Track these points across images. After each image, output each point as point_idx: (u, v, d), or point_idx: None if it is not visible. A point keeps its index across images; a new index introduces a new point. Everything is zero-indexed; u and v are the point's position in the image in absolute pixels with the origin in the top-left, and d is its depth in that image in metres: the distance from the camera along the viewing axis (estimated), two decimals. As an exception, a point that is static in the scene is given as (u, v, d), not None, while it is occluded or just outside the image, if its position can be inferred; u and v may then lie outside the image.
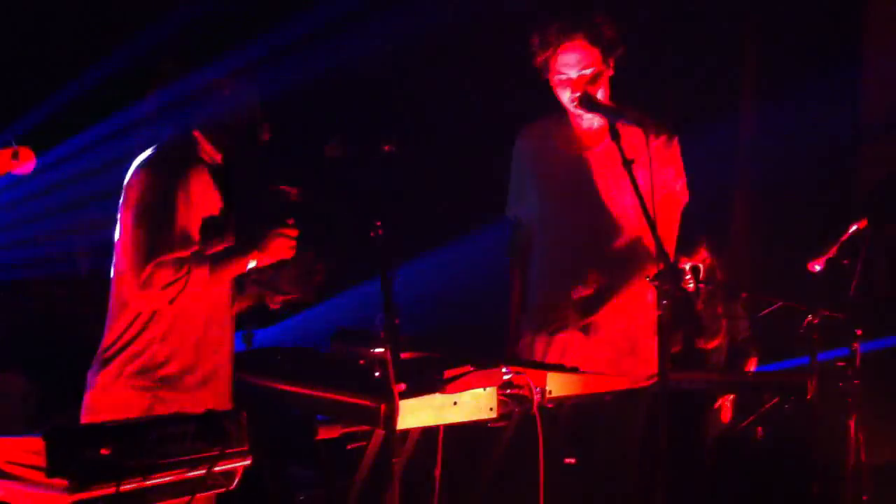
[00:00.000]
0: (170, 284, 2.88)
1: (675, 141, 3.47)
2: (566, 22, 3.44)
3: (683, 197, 3.65)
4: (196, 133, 3.10)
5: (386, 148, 3.00)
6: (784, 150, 5.83)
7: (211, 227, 3.03)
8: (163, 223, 2.91)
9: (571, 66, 3.43)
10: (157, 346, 2.97)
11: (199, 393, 3.01)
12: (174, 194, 2.93)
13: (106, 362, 2.99)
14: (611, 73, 3.50)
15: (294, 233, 3.09)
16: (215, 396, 3.05)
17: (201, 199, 2.99)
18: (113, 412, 2.93)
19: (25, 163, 2.72)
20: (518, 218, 3.81)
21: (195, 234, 2.96)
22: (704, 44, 5.93)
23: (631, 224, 3.52)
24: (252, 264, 3.08)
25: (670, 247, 3.47)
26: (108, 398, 2.97)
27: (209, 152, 3.10)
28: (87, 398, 3.02)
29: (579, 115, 3.53)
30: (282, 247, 3.07)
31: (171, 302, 2.91)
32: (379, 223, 2.78)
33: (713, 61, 5.96)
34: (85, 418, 3.00)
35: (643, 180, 3.10)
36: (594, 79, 3.44)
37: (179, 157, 3.02)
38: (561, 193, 3.61)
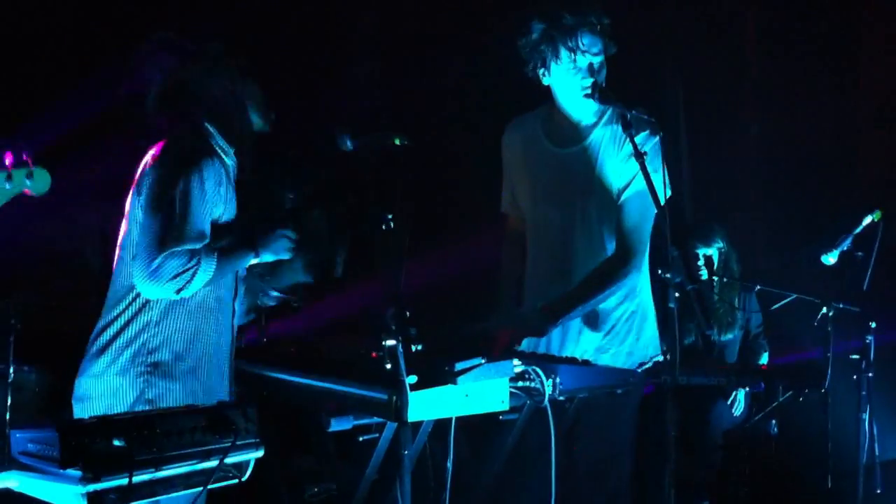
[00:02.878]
0: (178, 275, 2.89)
1: (659, 137, 3.35)
2: (585, 5, 3.38)
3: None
4: (208, 126, 3.09)
5: (396, 141, 3.00)
6: (792, 143, 5.81)
7: (225, 223, 3.05)
8: (177, 214, 2.91)
9: (589, 50, 3.34)
10: (151, 332, 2.98)
11: (189, 381, 3.01)
12: (189, 186, 2.93)
13: (100, 350, 3.00)
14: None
15: (294, 235, 3.17)
16: (206, 386, 3.05)
17: (215, 192, 3.00)
18: (104, 399, 2.95)
19: (40, 183, 2.74)
20: (509, 213, 3.76)
21: (207, 228, 2.98)
22: (707, 36, 5.91)
23: (598, 230, 3.48)
24: (252, 261, 3.14)
25: (639, 240, 3.42)
26: (100, 385, 2.98)
27: (222, 147, 3.10)
28: (79, 385, 3.02)
29: (567, 110, 3.48)
30: (282, 247, 3.16)
31: (178, 293, 2.92)
32: (390, 216, 2.79)
33: (714, 55, 5.94)
34: (76, 406, 3.01)
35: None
36: (602, 69, 3.41)
37: (195, 148, 3.02)
38: (545, 192, 3.55)
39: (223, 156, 3.09)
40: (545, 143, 3.55)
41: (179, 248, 2.89)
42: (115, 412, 2.90)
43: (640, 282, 3.48)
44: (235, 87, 3.12)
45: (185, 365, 3.02)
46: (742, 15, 6.06)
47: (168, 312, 3.00)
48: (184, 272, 2.89)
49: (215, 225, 3.02)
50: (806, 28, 5.79)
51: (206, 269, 2.94)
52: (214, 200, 3.00)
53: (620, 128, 3.26)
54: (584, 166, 3.45)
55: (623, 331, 3.47)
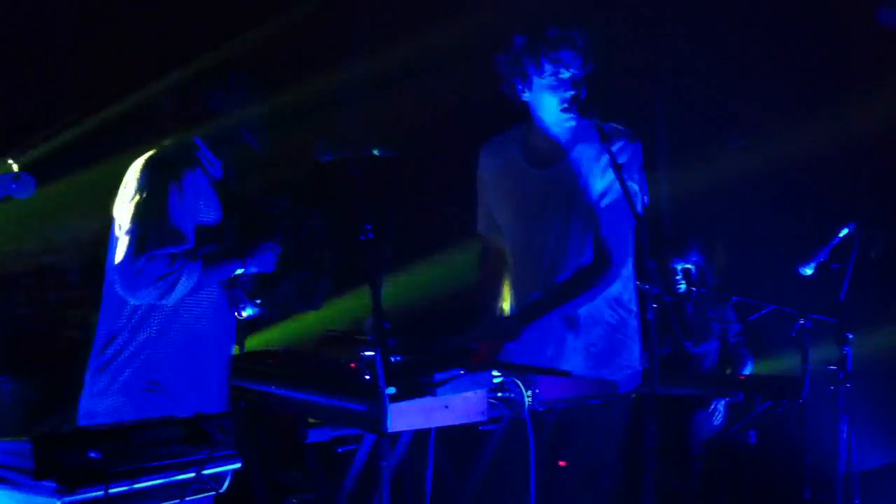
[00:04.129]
0: (162, 278, 2.90)
1: (635, 147, 3.37)
2: (565, 22, 3.41)
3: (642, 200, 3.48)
4: (196, 139, 3.13)
5: (376, 153, 3.02)
6: (773, 152, 5.84)
7: (207, 232, 3.06)
8: (156, 219, 2.94)
9: (571, 64, 3.36)
10: (152, 349, 2.99)
11: (190, 396, 3.02)
12: (167, 191, 2.96)
13: (102, 368, 3.00)
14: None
15: (279, 250, 3.15)
16: (206, 400, 3.06)
17: (195, 201, 3.02)
18: (108, 417, 2.95)
19: (25, 186, 2.74)
20: (487, 233, 3.74)
21: (189, 233, 2.99)
22: (692, 45, 5.94)
23: (580, 245, 3.50)
24: (238, 271, 3.11)
25: (615, 248, 3.44)
26: (103, 403, 2.98)
27: (209, 159, 3.13)
28: (83, 405, 3.03)
29: (546, 128, 3.49)
30: (267, 260, 3.13)
31: (163, 297, 2.93)
32: (369, 227, 2.78)
33: (700, 65, 5.97)
34: (81, 423, 3.00)
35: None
36: (582, 84, 3.42)
37: (176, 158, 3.06)
38: (526, 213, 3.54)
39: (207, 167, 3.11)
40: (524, 165, 3.55)
41: (160, 252, 2.90)
42: None
43: (636, 295, 3.50)
44: (235, 106, 3.15)
45: (185, 380, 3.02)
46: (728, 26, 6.09)
47: (167, 329, 3.01)
48: (166, 275, 2.90)
49: (199, 232, 3.03)
50: (797, 36, 5.82)
51: (190, 275, 2.94)
52: (194, 209, 3.02)
53: (598, 143, 3.26)
54: (564, 186, 3.46)
55: (623, 345, 3.50)
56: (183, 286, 2.94)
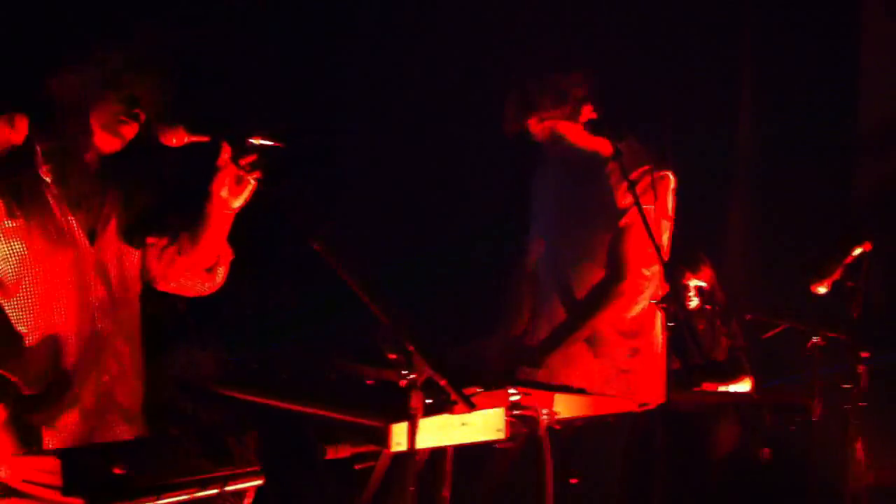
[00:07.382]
0: None
1: (662, 175, 3.42)
2: (551, 46, 3.50)
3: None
4: (34, 143, 2.60)
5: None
6: (783, 162, 5.84)
7: None
8: None
9: (564, 83, 3.49)
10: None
11: (54, 413, 2.64)
12: None
13: None
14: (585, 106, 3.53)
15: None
16: (75, 418, 2.68)
17: None
18: None
19: (20, 127, 2.52)
20: (526, 246, 3.82)
21: None
22: (700, 48, 5.93)
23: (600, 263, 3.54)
24: None
25: (628, 267, 3.46)
26: None
27: (49, 167, 2.61)
28: None
29: (572, 148, 3.58)
30: None
31: None
32: (321, 234, 2.47)
33: (710, 68, 5.97)
34: None
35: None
36: (584, 102, 3.48)
37: None
38: (557, 231, 3.64)
39: (43, 179, 2.62)
40: (554, 183, 3.64)
41: None
42: None
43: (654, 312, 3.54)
44: (94, 92, 2.58)
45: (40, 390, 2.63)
46: (737, 34, 6.09)
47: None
48: None
49: None
50: (803, 47, 5.83)
51: None
52: None
53: (623, 162, 3.30)
54: (592, 206, 3.55)
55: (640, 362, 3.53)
56: None
